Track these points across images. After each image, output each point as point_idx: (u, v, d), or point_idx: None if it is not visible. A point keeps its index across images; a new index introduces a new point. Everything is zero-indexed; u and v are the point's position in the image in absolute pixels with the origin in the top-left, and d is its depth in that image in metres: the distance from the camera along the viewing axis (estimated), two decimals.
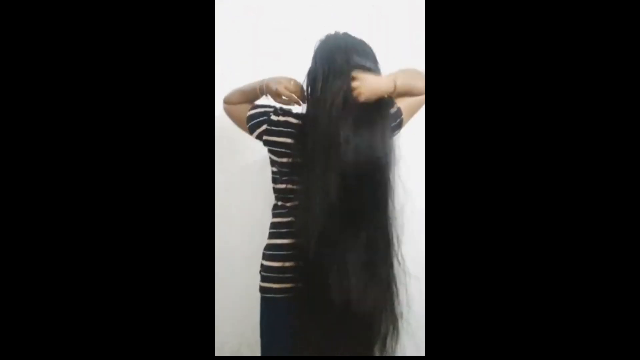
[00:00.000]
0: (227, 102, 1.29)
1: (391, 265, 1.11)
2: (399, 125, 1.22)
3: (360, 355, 1.14)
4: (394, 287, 1.12)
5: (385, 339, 1.13)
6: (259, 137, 1.18)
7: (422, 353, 1.31)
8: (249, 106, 1.22)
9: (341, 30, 1.19)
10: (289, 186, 1.15)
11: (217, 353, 1.61)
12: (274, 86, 1.16)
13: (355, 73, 1.09)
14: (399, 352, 1.17)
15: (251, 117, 1.19)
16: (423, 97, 1.20)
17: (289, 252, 1.13)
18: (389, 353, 1.14)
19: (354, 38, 1.17)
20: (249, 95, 1.24)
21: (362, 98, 1.08)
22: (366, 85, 1.08)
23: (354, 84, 1.08)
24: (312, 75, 1.14)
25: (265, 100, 1.23)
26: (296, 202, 1.13)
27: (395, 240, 1.11)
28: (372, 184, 1.09)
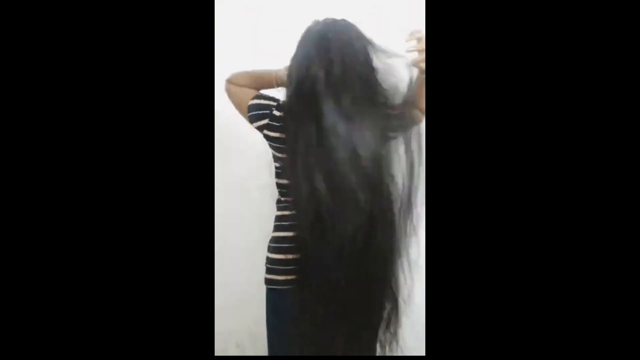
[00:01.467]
0: (232, 82, 1.26)
1: (390, 253, 1.08)
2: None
3: (360, 355, 1.14)
4: (392, 272, 1.10)
5: (387, 321, 1.12)
6: (259, 129, 1.18)
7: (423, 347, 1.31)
8: (253, 92, 1.20)
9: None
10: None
11: (217, 352, 1.61)
12: (284, 77, 1.17)
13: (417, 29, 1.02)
14: (400, 351, 1.17)
15: (253, 107, 1.18)
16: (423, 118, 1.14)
17: (291, 245, 1.13)
18: (390, 338, 1.14)
19: (338, 24, 1.10)
20: (260, 83, 1.23)
21: (424, 66, 1.02)
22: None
23: (420, 46, 1.02)
24: (290, 70, 1.11)
25: (269, 90, 1.23)
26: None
27: (394, 233, 1.09)
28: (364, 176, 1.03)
